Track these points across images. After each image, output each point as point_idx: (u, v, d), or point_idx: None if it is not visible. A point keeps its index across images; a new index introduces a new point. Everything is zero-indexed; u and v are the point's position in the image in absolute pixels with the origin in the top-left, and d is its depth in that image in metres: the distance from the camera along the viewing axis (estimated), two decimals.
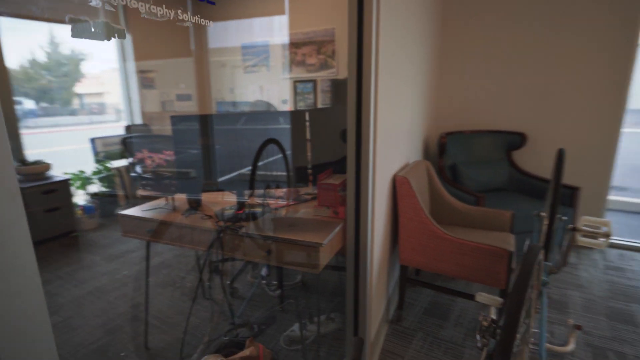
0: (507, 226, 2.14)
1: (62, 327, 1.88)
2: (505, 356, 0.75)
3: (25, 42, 1.85)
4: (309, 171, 1.84)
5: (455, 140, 3.01)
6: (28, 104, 2.11)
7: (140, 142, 2.18)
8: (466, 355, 1.75)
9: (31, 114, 2.12)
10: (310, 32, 3.14)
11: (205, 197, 1.78)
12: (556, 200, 1.33)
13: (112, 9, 0.82)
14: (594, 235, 1.42)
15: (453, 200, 2.28)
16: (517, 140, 2.97)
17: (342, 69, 3.10)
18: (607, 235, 1.36)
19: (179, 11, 1.02)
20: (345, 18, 1.31)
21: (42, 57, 1.98)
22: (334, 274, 2.48)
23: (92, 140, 2.06)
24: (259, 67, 3.24)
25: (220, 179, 1.63)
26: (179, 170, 1.67)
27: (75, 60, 2.15)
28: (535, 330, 1.30)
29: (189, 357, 1.73)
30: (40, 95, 2.19)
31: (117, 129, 2.20)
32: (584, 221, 1.44)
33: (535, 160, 3.01)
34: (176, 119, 1.62)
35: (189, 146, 1.63)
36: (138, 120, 2.19)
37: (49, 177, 2.04)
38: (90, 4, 0.77)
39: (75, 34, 0.76)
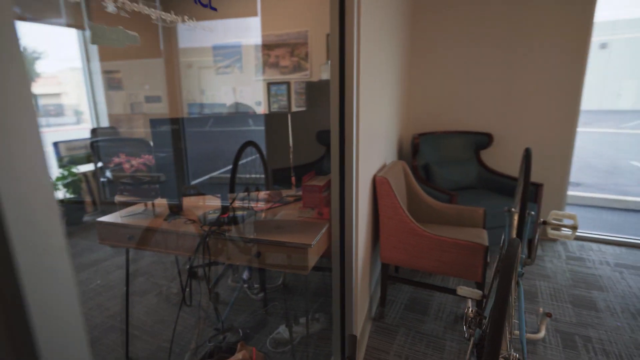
0: (480, 222, 2.25)
1: None
2: (496, 345, 0.80)
3: None
4: (292, 173, 1.85)
5: (427, 140, 3.12)
6: None
7: (110, 145, 2.10)
8: (447, 347, 1.83)
9: None
10: (283, 34, 3.14)
11: (186, 201, 1.75)
12: (526, 196, 1.42)
13: (76, 1, 0.79)
14: (560, 228, 1.53)
15: (429, 198, 2.36)
16: (484, 140, 3.12)
17: (315, 71, 3.12)
18: (574, 228, 1.47)
19: (152, 9, 1.00)
20: (319, 21, 1.34)
21: None
22: (316, 274, 2.50)
23: (55, 144, 1.96)
24: (231, 69, 3.21)
25: (192, 182, 1.59)
26: (151, 174, 1.63)
27: (28, 59, 2.04)
28: (515, 321, 1.38)
29: None
30: None
31: (79, 132, 2.09)
32: (553, 215, 1.54)
33: (502, 159, 3.18)
34: (155, 122, 1.58)
35: (168, 150, 1.59)
36: (104, 123, 2.10)
37: None
38: None
39: (94, 40, 0.73)
